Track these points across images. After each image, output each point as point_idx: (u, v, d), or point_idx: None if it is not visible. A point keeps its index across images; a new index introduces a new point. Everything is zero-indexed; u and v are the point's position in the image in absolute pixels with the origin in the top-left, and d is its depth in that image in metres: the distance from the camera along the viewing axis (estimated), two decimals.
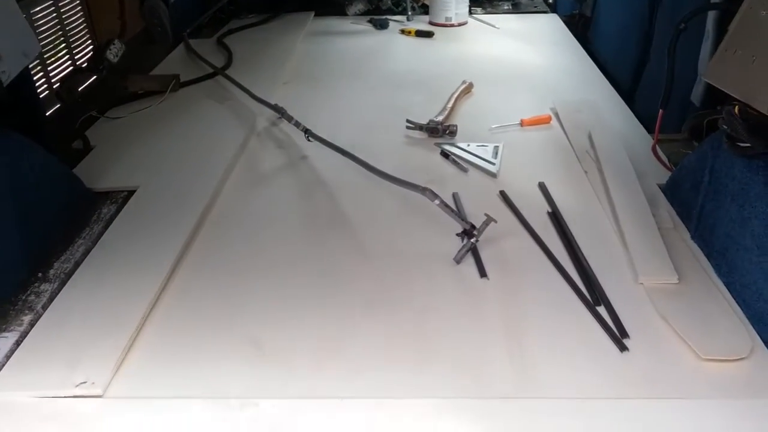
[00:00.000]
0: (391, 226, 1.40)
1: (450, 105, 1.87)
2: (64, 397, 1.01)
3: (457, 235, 1.31)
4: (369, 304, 1.18)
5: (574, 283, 1.21)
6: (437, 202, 1.27)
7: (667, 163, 1.54)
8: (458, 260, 1.27)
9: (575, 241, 1.32)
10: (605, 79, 2.15)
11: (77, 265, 1.31)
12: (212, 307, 1.19)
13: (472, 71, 2.16)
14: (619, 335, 1.09)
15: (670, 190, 1.45)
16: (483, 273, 1.24)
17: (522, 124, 1.80)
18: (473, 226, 1.27)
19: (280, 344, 1.10)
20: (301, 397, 1.00)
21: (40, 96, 1.78)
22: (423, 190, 1.30)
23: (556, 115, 1.84)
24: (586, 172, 1.56)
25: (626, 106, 1.93)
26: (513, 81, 2.14)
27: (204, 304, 1.19)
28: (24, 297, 1.23)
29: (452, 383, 1.02)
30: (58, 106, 1.94)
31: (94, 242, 1.37)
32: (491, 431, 0.94)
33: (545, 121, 1.81)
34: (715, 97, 1.38)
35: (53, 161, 1.43)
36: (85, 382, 1.01)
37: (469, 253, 1.28)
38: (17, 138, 1.33)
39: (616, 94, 2.01)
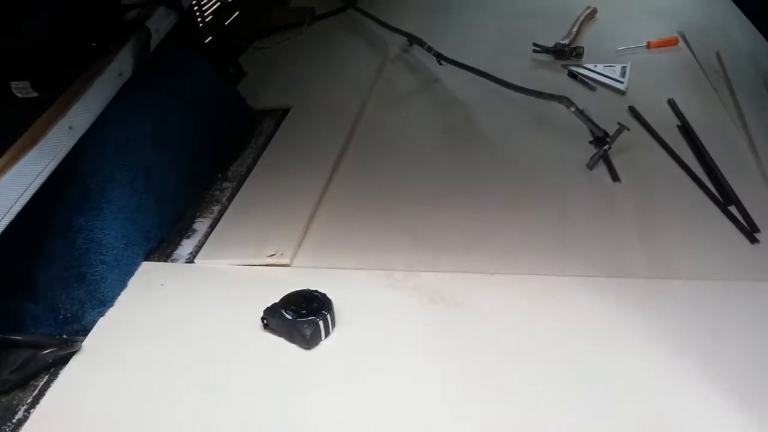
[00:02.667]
0: (524, 136, 1.52)
1: (575, 29, 1.93)
2: (258, 265, 1.21)
3: (590, 142, 1.41)
4: (510, 202, 1.31)
5: (705, 186, 1.29)
6: (573, 109, 1.37)
7: None
8: (591, 166, 1.37)
9: (706, 149, 1.38)
10: (732, 1, 2.12)
11: (249, 169, 1.51)
12: (371, 201, 1.36)
13: None
14: (749, 229, 1.17)
15: None
16: (616, 177, 1.34)
17: (649, 46, 1.84)
18: (606, 134, 1.36)
19: (432, 233, 1.26)
20: (455, 271, 1.15)
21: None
22: (560, 99, 1.40)
23: (683, 37, 1.87)
24: (715, 89, 1.60)
25: (755, 28, 1.92)
26: (638, 5, 2.16)
27: (363, 198, 1.37)
28: (210, 192, 1.45)
29: (590, 265, 1.14)
30: (210, 38, 2.15)
31: (261, 150, 1.57)
32: (625, 307, 1.06)
33: (672, 42, 1.84)
34: None
35: (226, 82, 1.63)
36: (275, 254, 1.21)
37: (601, 160, 1.38)
38: (204, 63, 1.53)
39: (744, 16, 2.00)
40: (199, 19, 2.08)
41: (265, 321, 1.06)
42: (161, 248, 1.29)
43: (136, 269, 1.21)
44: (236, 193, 1.43)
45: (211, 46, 2.11)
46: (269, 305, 1.07)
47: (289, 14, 2.37)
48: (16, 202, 0.96)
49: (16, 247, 1.03)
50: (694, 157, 1.38)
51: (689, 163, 1.36)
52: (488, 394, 0.93)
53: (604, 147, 1.36)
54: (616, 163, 1.38)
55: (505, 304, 1.08)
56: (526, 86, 1.62)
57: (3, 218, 0.93)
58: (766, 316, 1.00)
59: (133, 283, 1.19)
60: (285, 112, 1.73)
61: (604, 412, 0.89)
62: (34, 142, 1.01)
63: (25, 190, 0.98)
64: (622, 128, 1.36)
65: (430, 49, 1.85)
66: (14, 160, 0.98)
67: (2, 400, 1.01)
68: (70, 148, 1.06)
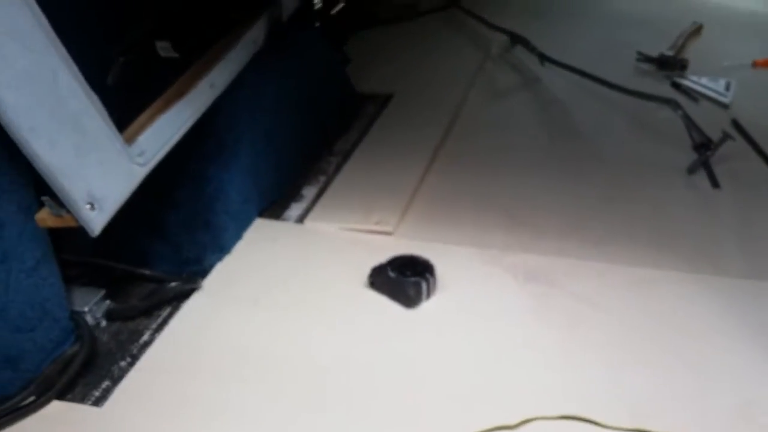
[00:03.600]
0: (624, 137, 1.56)
1: (680, 42, 1.94)
2: (363, 231, 1.29)
3: (692, 148, 1.43)
4: (606, 195, 1.35)
5: None
6: (680, 112, 1.40)
7: None
8: (691, 171, 1.39)
9: None
10: None
11: (354, 146, 1.60)
12: (470, 183, 1.42)
13: (700, 14, 2.19)
14: None
15: None
16: (716, 183, 1.36)
17: (754, 64, 1.84)
18: (710, 140, 1.38)
19: (529, 217, 1.31)
20: (550, 254, 1.20)
21: None
22: (667, 101, 1.43)
23: None
24: None
25: None
26: (744, 24, 2.15)
27: (463, 180, 1.43)
28: (317, 165, 1.54)
29: (686, 262, 1.17)
30: (318, 24, 2.26)
31: (365, 131, 1.66)
32: (720, 304, 1.08)
33: None
34: None
35: (337, 64, 1.73)
36: (379, 222, 1.29)
37: (702, 167, 1.40)
38: (322, 44, 1.64)
39: None
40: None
41: (371, 279, 1.14)
42: (273, 209, 1.38)
43: (251, 224, 1.31)
44: (342, 166, 1.51)
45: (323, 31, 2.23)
46: (376, 265, 1.14)
47: (393, 8, 2.46)
48: (162, 147, 1.06)
49: (151, 191, 1.13)
50: None
51: None
52: (581, 371, 0.98)
53: (707, 153, 1.38)
54: (717, 171, 1.40)
55: (599, 290, 1.12)
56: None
57: (149, 162, 1.03)
58: None
59: (248, 235, 1.28)
60: (388, 98, 1.81)
61: (692, 399, 0.92)
62: (181, 94, 1.11)
63: (171, 138, 1.08)
64: (726, 137, 1.38)
65: (533, 50, 1.90)
66: (163, 109, 1.09)
67: (130, 324, 1.12)
68: (210, 103, 1.16)
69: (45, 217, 0.93)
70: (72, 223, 0.92)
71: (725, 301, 1.08)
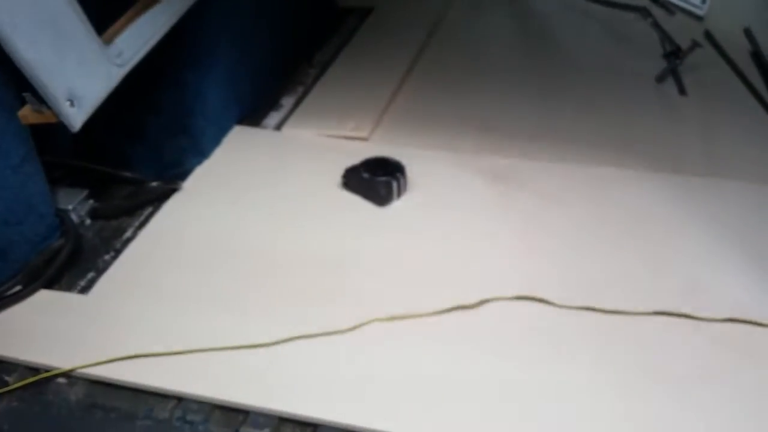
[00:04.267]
0: (597, 48, 1.57)
1: None
2: (339, 137, 1.33)
3: (662, 56, 1.46)
4: (576, 102, 1.38)
5: None
6: (650, 20, 1.42)
7: None
8: (660, 79, 1.43)
9: None
10: None
11: (333, 58, 1.62)
12: (445, 92, 1.45)
13: None
14: None
15: None
16: (683, 91, 1.39)
17: None
18: (679, 48, 1.41)
19: (499, 123, 1.34)
20: (519, 157, 1.25)
21: None
22: (637, 9, 1.45)
23: None
24: None
25: None
26: None
27: (438, 89, 1.46)
28: (295, 76, 1.56)
29: (649, 162, 1.21)
30: None
31: (344, 43, 1.67)
32: (682, 199, 1.13)
33: None
34: None
35: None
36: (355, 128, 1.33)
37: (671, 75, 1.43)
38: None
39: None
40: None
41: (344, 179, 1.19)
42: (251, 117, 1.42)
43: (229, 130, 1.34)
44: (320, 77, 1.54)
45: None
46: (349, 166, 1.19)
47: None
48: (140, 49, 1.08)
49: (132, 96, 1.16)
50: (763, 84, 1.42)
51: (758, 87, 1.41)
52: (538, 258, 1.04)
53: (676, 61, 1.41)
54: (686, 80, 1.43)
55: (562, 188, 1.17)
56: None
57: (127, 64, 1.06)
58: None
59: (227, 141, 1.32)
60: (368, 11, 1.81)
61: (641, 280, 0.99)
62: None
63: (149, 40, 1.10)
64: (695, 45, 1.41)
65: None
66: (140, 12, 1.10)
67: (113, 223, 1.17)
68: (187, 8, 1.17)
69: (27, 113, 0.96)
70: (52, 119, 0.95)
71: (682, 196, 1.14)
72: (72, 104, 0.96)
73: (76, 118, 0.96)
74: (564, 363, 0.87)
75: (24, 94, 0.95)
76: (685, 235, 1.06)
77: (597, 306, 0.94)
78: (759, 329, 0.90)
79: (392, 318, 0.94)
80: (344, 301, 0.98)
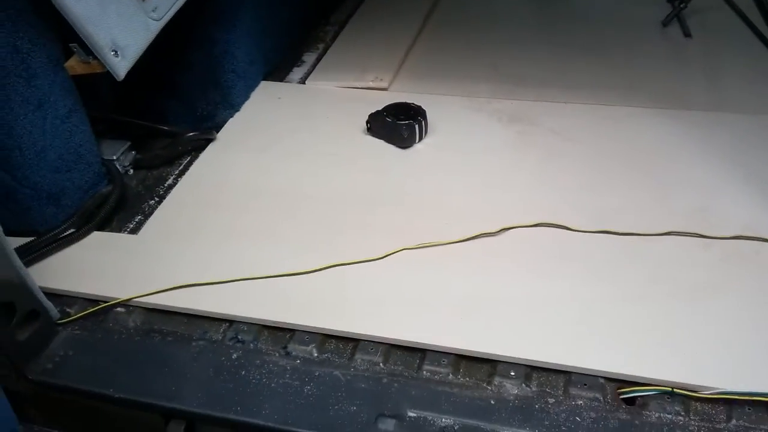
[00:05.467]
0: None
1: None
2: (360, 88, 1.39)
3: (667, 1, 1.52)
4: (585, 47, 1.46)
5: None
6: None
7: None
8: (666, 23, 1.48)
9: None
10: None
11: (349, 16, 1.68)
12: (459, 41, 1.53)
13: None
14: None
15: None
16: (687, 33, 1.45)
17: None
18: None
19: (512, 69, 1.42)
20: (531, 99, 1.31)
21: None
22: None
23: None
24: None
25: None
26: None
27: (453, 39, 1.54)
28: (315, 33, 1.62)
29: (656, 99, 1.28)
30: None
31: (360, 2, 1.73)
32: (685, 133, 1.20)
33: None
34: None
35: None
36: (375, 79, 1.39)
37: (676, 18, 1.49)
38: None
39: None
40: None
41: (368, 124, 1.25)
42: (276, 73, 1.48)
43: (257, 85, 1.41)
44: (338, 34, 1.60)
45: None
46: (373, 112, 1.25)
47: None
48: (173, 4, 1.15)
49: (164, 54, 1.23)
50: (765, 24, 1.47)
51: (760, 27, 1.46)
52: (554, 189, 1.11)
53: (681, 5, 1.46)
54: (690, 23, 1.49)
55: (574, 126, 1.24)
56: None
57: (162, 17, 1.12)
58: None
59: (255, 95, 1.39)
60: None
61: (651, 207, 1.05)
62: None
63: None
64: None
65: None
66: None
67: (154, 172, 1.24)
68: None
69: (74, 64, 1.03)
70: (98, 69, 1.02)
71: (688, 129, 1.20)
72: (116, 54, 1.03)
73: (121, 66, 1.03)
74: (584, 279, 0.94)
75: (71, 45, 1.01)
76: (692, 164, 1.13)
77: (612, 229, 1.01)
78: (765, 245, 0.97)
79: (420, 245, 1.02)
80: (374, 233, 1.05)
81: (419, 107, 1.24)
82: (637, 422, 0.78)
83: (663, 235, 1.00)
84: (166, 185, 1.21)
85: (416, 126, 1.21)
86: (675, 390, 0.80)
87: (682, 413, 0.79)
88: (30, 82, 1.01)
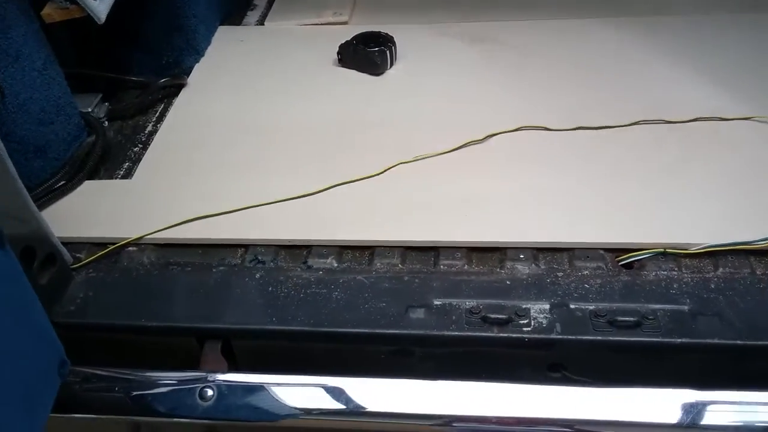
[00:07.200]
0: None
1: None
2: (320, 24, 1.42)
3: None
4: None
5: None
6: None
7: None
8: None
9: None
10: None
11: None
12: None
13: None
14: None
15: None
16: None
17: None
18: None
19: None
20: (489, 20, 1.38)
21: None
22: None
23: None
24: None
25: None
26: None
27: None
28: None
29: (608, 10, 1.38)
30: None
31: None
32: (638, 38, 1.30)
33: None
34: None
35: None
36: (335, 13, 1.42)
37: None
38: None
39: None
40: None
41: (339, 55, 1.29)
42: (231, 19, 1.49)
43: (216, 29, 1.41)
44: None
45: None
46: (343, 42, 1.29)
47: None
48: None
49: (126, 4, 1.21)
50: None
51: None
52: (534, 99, 1.18)
53: None
54: None
55: (536, 40, 1.32)
56: None
57: None
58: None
59: (216, 40, 1.40)
60: None
61: (613, 105, 1.15)
62: None
63: None
64: None
65: None
66: None
67: (130, 122, 1.24)
68: None
69: (51, 12, 1.02)
70: (77, 14, 1.02)
71: (636, 34, 1.30)
72: None
73: (101, 9, 1.02)
74: (570, 168, 1.03)
75: None
76: (651, 64, 1.24)
77: (587, 125, 1.10)
78: (722, 123, 1.09)
79: (415, 158, 1.07)
80: (367, 153, 1.10)
81: (387, 34, 1.29)
82: (638, 282, 0.88)
83: (632, 125, 1.10)
84: (146, 132, 1.21)
85: (387, 52, 1.26)
86: (667, 250, 0.90)
87: (676, 269, 0.89)
88: (6, 35, 0.99)
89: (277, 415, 0.82)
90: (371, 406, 0.80)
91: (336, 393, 0.81)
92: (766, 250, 0.89)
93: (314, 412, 0.80)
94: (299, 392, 0.81)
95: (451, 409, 0.79)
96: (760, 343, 0.80)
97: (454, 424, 0.79)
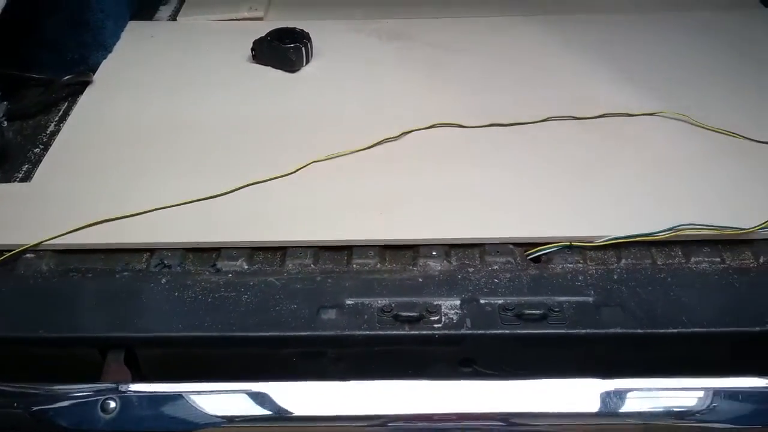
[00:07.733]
0: None
1: None
2: (235, 19, 1.39)
3: None
4: None
5: None
6: None
7: None
8: None
9: None
10: None
11: None
12: None
13: None
14: None
15: None
16: None
17: None
18: None
19: None
20: (407, 17, 1.39)
21: None
22: None
23: None
24: None
25: None
26: None
27: None
28: None
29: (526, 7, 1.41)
30: None
31: None
32: (559, 36, 1.33)
33: None
34: None
35: None
36: (250, 8, 1.39)
37: None
38: None
39: None
40: None
41: (253, 51, 1.26)
42: (142, 14, 1.44)
43: (125, 24, 1.36)
44: None
45: None
46: (257, 38, 1.26)
47: None
48: None
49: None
50: None
51: None
52: (449, 97, 1.19)
53: None
54: None
55: (451, 38, 1.33)
56: None
57: None
58: None
59: (126, 35, 1.35)
60: None
61: (532, 102, 1.16)
62: None
63: None
64: None
65: None
66: None
67: (30, 121, 1.18)
68: None
69: None
70: None
71: (552, 32, 1.34)
72: None
73: None
74: (481, 165, 1.04)
75: None
76: (564, 61, 1.26)
77: (499, 122, 1.11)
78: (629, 119, 1.12)
79: (329, 157, 1.06)
80: (280, 152, 1.08)
81: (303, 30, 1.27)
82: (545, 275, 0.89)
83: (543, 121, 1.12)
84: (48, 132, 1.16)
85: (303, 48, 1.24)
86: (572, 243, 0.92)
87: (581, 262, 0.91)
88: None
89: (185, 423, 0.79)
90: (288, 411, 0.78)
91: (254, 398, 0.79)
92: (666, 240, 0.91)
93: (216, 419, 0.78)
94: (204, 400, 0.79)
95: (373, 408, 0.78)
96: (660, 331, 0.82)
97: (389, 424, 0.78)
